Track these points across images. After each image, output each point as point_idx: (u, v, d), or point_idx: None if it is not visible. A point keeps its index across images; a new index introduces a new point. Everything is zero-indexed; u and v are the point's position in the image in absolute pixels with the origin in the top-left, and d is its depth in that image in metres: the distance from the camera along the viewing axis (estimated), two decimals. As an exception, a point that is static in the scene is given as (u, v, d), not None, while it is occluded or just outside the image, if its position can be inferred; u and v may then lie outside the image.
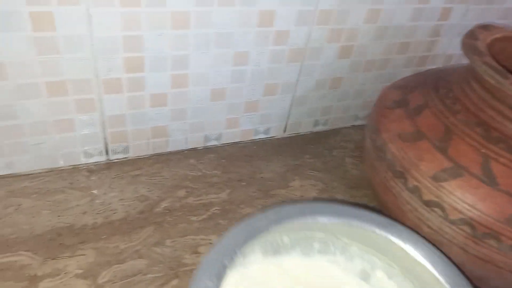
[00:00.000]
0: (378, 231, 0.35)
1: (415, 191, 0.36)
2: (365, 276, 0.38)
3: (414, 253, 0.33)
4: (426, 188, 0.35)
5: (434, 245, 0.34)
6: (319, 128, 0.61)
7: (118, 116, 0.46)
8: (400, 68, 0.58)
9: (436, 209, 0.35)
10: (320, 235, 0.37)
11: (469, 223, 0.34)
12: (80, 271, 0.38)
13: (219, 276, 0.30)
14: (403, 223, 0.35)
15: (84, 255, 0.40)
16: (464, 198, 0.34)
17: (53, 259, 0.39)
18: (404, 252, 0.34)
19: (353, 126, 0.64)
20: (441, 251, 0.33)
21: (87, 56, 0.40)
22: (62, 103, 0.43)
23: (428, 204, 0.35)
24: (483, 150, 0.35)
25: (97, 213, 0.44)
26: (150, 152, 0.52)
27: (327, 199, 0.50)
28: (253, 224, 0.34)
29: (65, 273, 0.38)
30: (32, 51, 0.38)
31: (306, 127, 0.60)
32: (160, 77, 0.45)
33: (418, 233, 0.34)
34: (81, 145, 0.47)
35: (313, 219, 0.35)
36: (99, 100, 0.44)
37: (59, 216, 0.43)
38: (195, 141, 0.53)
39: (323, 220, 0.35)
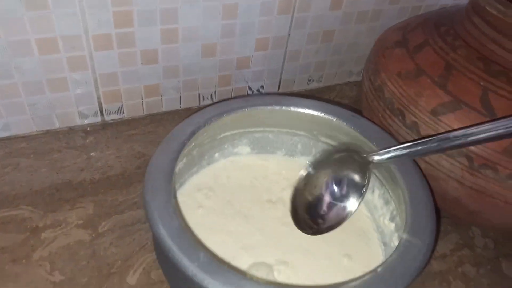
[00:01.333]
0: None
1: (413, 127, 0.36)
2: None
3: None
4: (424, 123, 0.36)
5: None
6: (313, 85, 0.61)
7: (110, 74, 0.46)
8: (393, 19, 0.58)
9: (433, 144, 0.35)
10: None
11: (467, 155, 0.34)
12: (81, 221, 0.39)
13: (192, 133, 0.34)
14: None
15: (84, 207, 0.41)
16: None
17: (53, 211, 0.40)
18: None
19: (348, 82, 0.64)
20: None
21: (76, 11, 0.40)
22: (55, 61, 0.43)
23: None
24: (482, 83, 0.35)
25: (95, 170, 0.44)
26: (145, 112, 0.52)
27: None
28: (227, 104, 0.37)
29: (65, 224, 0.39)
30: (22, 7, 0.38)
31: (300, 84, 0.60)
32: (149, 32, 0.45)
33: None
34: (76, 105, 0.47)
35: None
36: (90, 57, 0.44)
37: (57, 173, 0.43)
38: (189, 100, 0.53)
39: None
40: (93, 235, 0.38)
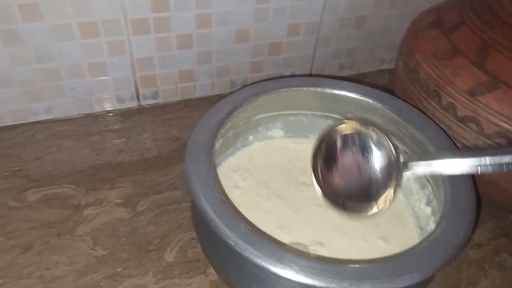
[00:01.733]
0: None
1: (450, 108, 0.36)
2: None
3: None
4: (461, 104, 0.35)
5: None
6: (345, 72, 0.61)
7: (146, 59, 0.47)
8: (426, 4, 0.57)
9: (471, 124, 0.35)
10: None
11: (506, 135, 0.33)
12: (120, 200, 0.41)
13: (229, 112, 0.34)
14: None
15: (123, 187, 0.42)
16: (501, 110, 0.33)
17: (94, 190, 0.41)
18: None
19: (380, 70, 0.63)
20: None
21: (115, -5, 0.42)
22: (95, 45, 0.44)
23: (463, 120, 0.35)
24: (521, 61, 0.34)
25: (133, 152, 0.46)
26: (179, 97, 0.53)
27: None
28: (265, 85, 0.37)
29: (106, 202, 0.40)
30: (63, -9, 0.40)
31: (331, 71, 0.60)
32: (185, 16, 0.45)
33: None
34: (114, 89, 0.49)
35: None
36: (128, 42, 0.45)
37: (97, 154, 0.45)
38: (222, 86, 0.54)
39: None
40: (132, 214, 0.40)
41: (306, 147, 0.43)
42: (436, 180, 0.33)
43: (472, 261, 0.40)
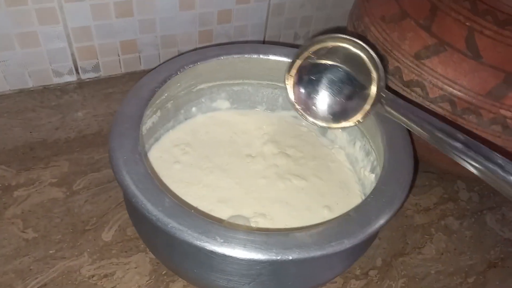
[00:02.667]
0: None
1: (396, 72, 0.35)
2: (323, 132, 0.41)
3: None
4: (407, 68, 0.34)
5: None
6: (300, 42, 0.59)
7: (83, 28, 0.44)
8: (380, -30, 0.55)
9: (416, 89, 0.34)
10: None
11: (450, 99, 0.33)
12: (55, 180, 0.38)
13: (164, 79, 0.32)
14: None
15: (58, 166, 0.39)
16: (445, 74, 0.32)
17: (26, 170, 0.38)
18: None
19: (336, 40, 0.62)
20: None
21: (39, -42, 0.38)
22: (23, 13, 0.40)
23: (408, 84, 0.34)
24: (468, 24, 0.33)
25: (70, 129, 0.43)
26: (123, 70, 0.50)
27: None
28: (203, 52, 0.35)
29: (39, 182, 0.38)
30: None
31: (285, 41, 0.58)
32: (121, -19, 0.42)
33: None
34: (49, 62, 0.45)
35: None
36: (61, 9, 0.42)
37: (31, 132, 0.42)
38: (169, 58, 0.51)
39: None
40: (68, 193, 0.37)
41: (253, 118, 0.42)
42: (378, 146, 0.33)
43: (419, 226, 0.40)
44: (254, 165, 0.37)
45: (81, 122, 0.44)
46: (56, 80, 0.47)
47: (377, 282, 0.34)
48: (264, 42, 0.56)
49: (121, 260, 0.34)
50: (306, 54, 0.32)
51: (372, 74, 0.31)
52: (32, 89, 0.46)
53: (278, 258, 0.22)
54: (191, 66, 0.34)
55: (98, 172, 0.39)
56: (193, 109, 0.40)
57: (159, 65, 0.34)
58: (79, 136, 0.42)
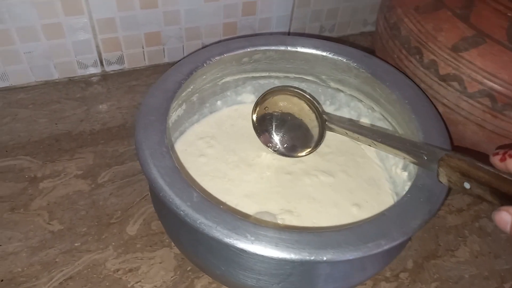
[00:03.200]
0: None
1: (432, 66, 0.33)
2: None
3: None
4: (443, 61, 0.32)
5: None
6: (325, 35, 0.58)
7: (107, 20, 0.44)
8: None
9: (453, 83, 0.32)
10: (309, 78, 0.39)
11: (489, 94, 0.31)
12: (80, 172, 0.38)
13: (190, 71, 0.31)
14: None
15: (83, 158, 0.39)
16: (485, 67, 0.31)
17: (52, 162, 0.38)
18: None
19: (362, 33, 0.60)
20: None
21: None
22: (48, 4, 0.40)
23: (444, 78, 0.33)
24: (509, 14, 0.31)
25: (95, 121, 0.43)
26: (147, 63, 0.50)
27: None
28: (229, 44, 0.35)
29: (64, 174, 0.38)
30: None
31: (310, 34, 0.56)
32: (146, -28, 0.42)
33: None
34: (74, 54, 0.45)
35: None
36: (86, 0, 0.41)
37: (56, 124, 0.42)
38: (193, 50, 0.51)
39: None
40: (93, 186, 0.37)
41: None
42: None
43: (451, 227, 0.38)
44: (280, 160, 0.36)
45: (106, 114, 0.44)
46: (81, 72, 0.47)
47: (408, 285, 0.33)
48: (289, 34, 0.55)
49: (145, 254, 0.33)
50: (262, 106, 0.37)
51: (313, 112, 0.36)
52: (57, 80, 0.46)
53: (312, 258, 0.21)
54: (217, 58, 0.33)
55: (123, 165, 0.39)
56: (218, 102, 0.39)
57: (184, 57, 0.33)
58: (103, 129, 0.42)
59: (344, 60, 0.35)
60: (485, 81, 0.31)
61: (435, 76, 0.33)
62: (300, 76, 0.39)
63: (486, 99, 0.31)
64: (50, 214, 0.35)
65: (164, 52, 0.49)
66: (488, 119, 0.32)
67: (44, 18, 0.41)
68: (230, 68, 0.36)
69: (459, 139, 0.34)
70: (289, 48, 0.35)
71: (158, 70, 0.50)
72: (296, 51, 0.36)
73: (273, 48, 0.35)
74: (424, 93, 0.32)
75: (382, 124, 0.36)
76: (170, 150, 0.25)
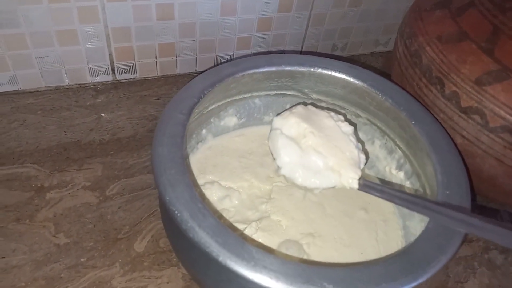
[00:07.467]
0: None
1: (453, 97, 0.33)
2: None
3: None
4: (466, 94, 0.32)
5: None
6: (337, 53, 0.58)
7: (123, 29, 0.43)
8: (427, -16, 0.53)
9: (474, 116, 0.32)
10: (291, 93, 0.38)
11: (511, 129, 0.31)
12: (88, 183, 0.37)
13: (189, 111, 0.30)
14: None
15: (92, 168, 0.38)
16: (508, 103, 0.31)
17: (60, 171, 0.38)
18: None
19: (373, 53, 0.60)
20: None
21: (87, -44, 0.37)
22: (64, 10, 0.40)
23: (466, 111, 0.32)
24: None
25: (104, 130, 0.42)
26: (159, 73, 0.49)
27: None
28: (219, 71, 0.33)
29: (72, 185, 0.37)
30: None
31: (323, 51, 0.56)
32: (166, -17, 0.41)
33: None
34: (86, 61, 0.44)
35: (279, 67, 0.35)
36: (102, 9, 0.41)
37: (65, 132, 0.41)
38: (205, 63, 0.50)
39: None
40: (101, 198, 0.36)
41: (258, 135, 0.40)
42: (421, 162, 0.31)
43: (461, 258, 0.38)
44: (278, 185, 0.36)
45: (116, 124, 0.43)
46: (91, 79, 0.46)
47: (418, 316, 0.33)
48: (301, 51, 0.55)
49: (153, 273, 0.32)
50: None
51: None
52: (67, 87, 0.46)
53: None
54: (210, 89, 0.32)
55: (132, 178, 0.38)
56: (204, 131, 0.38)
57: (178, 92, 0.32)
58: (113, 139, 0.41)
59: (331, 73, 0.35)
60: (508, 116, 0.31)
61: (456, 108, 0.33)
62: (283, 92, 0.39)
63: (507, 135, 0.31)
64: (56, 227, 0.34)
65: (176, 63, 0.49)
66: (508, 154, 0.31)
67: (59, 25, 0.41)
68: (218, 96, 0.35)
69: (476, 172, 0.34)
70: (273, 69, 0.35)
71: (170, 81, 0.49)
72: (283, 70, 0.35)
73: (261, 70, 0.35)
74: (417, 100, 0.34)
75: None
76: (203, 204, 0.24)
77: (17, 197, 0.35)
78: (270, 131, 0.32)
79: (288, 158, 0.29)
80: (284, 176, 0.30)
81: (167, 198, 0.24)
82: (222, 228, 0.23)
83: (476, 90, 0.32)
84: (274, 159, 0.31)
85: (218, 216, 0.33)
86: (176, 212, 0.23)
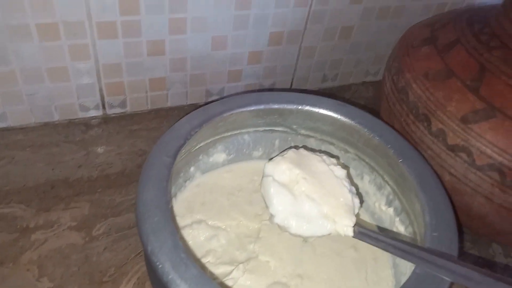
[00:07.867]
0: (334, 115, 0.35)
1: (440, 135, 0.33)
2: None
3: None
4: (452, 131, 0.32)
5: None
6: (328, 84, 0.58)
7: (113, 65, 0.44)
8: (416, 17, 0.54)
9: (461, 154, 0.32)
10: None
11: (499, 169, 0.31)
12: (74, 223, 0.37)
13: (175, 153, 0.29)
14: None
15: (79, 207, 0.38)
16: (495, 142, 0.31)
17: (46, 211, 0.37)
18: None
19: (364, 82, 0.60)
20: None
21: (77, -5, 0.38)
22: (55, 48, 0.40)
23: (453, 148, 0.32)
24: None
25: (93, 167, 0.42)
26: (149, 107, 0.49)
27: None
28: (206, 110, 0.34)
29: (58, 225, 0.36)
30: (18, -11, 0.35)
31: (313, 83, 0.57)
32: (157, 20, 0.42)
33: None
34: (77, 97, 0.45)
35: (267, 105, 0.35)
36: (93, 46, 0.41)
37: (53, 169, 0.41)
38: (196, 96, 0.51)
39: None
40: (87, 239, 0.36)
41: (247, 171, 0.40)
42: (410, 203, 0.31)
43: (454, 295, 0.37)
44: (266, 223, 0.35)
45: (105, 159, 0.43)
46: (82, 114, 0.46)
47: None
48: (292, 82, 0.55)
49: (138, 318, 0.32)
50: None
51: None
52: (57, 122, 0.46)
53: None
54: (197, 130, 0.32)
55: (119, 216, 0.38)
56: (192, 168, 0.37)
57: (164, 134, 0.32)
58: (101, 175, 0.41)
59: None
60: (495, 155, 0.30)
61: (443, 145, 0.33)
62: (271, 128, 0.39)
63: (495, 173, 0.31)
64: (40, 270, 0.33)
65: (167, 97, 0.49)
66: (496, 193, 0.31)
67: (51, 62, 0.41)
68: (205, 134, 0.35)
69: (465, 210, 0.34)
70: (262, 107, 0.35)
71: (160, 114, 0.49)
72: (271, 108, 0.36)
73: (249, 108, 0.35)
74: (404, 137, 0.34)
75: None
76: (186, 254, 0.24)
77: (1, 238, 0.35)
78: (262, 177, 0.31)
79: (281, 206, 0.29)
80: (278, 225, 0.30)
81: (149, 248, 0.23)
82: (205, 280, 0.22)
83: (462, 128, 0.32)
84: (267, 206, 0.30)
85: (205, 256, 0.33)
86: (157, 263, 0.23)
